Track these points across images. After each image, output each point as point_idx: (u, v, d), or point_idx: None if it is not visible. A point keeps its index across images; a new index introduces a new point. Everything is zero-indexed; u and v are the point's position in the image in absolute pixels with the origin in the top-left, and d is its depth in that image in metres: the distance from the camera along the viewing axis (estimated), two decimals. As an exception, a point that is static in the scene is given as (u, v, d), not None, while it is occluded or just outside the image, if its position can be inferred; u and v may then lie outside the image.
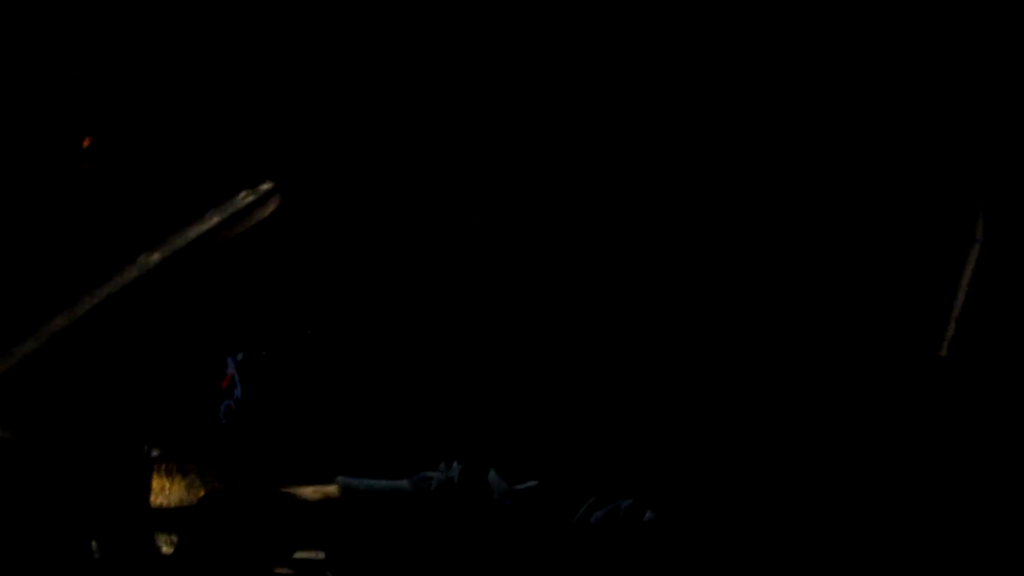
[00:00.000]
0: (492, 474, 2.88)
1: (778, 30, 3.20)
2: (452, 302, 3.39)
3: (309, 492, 2.74)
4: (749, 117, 3.18)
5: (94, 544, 2.67)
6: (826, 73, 3.20)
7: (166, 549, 2.74)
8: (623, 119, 3.25)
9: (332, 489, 2.70)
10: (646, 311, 3.17)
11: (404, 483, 2.86)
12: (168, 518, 2.86)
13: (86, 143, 3.48)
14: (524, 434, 3.16)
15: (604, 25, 3.28)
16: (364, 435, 3.34)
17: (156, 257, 2.52)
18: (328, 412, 3.38)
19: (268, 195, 2.69)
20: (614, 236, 3.24)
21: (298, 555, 2.85)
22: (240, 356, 3.48)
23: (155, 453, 3.06)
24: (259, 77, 3.49)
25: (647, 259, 3.21)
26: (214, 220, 2.63)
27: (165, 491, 2.97)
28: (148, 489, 2.89)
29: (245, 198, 2.71)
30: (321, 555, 2.84)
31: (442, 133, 3.43)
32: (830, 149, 3.19)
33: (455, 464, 2.92)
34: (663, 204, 3.20)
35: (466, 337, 3.36)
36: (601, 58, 3.25)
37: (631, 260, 3.23)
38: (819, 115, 3.21)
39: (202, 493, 2.79)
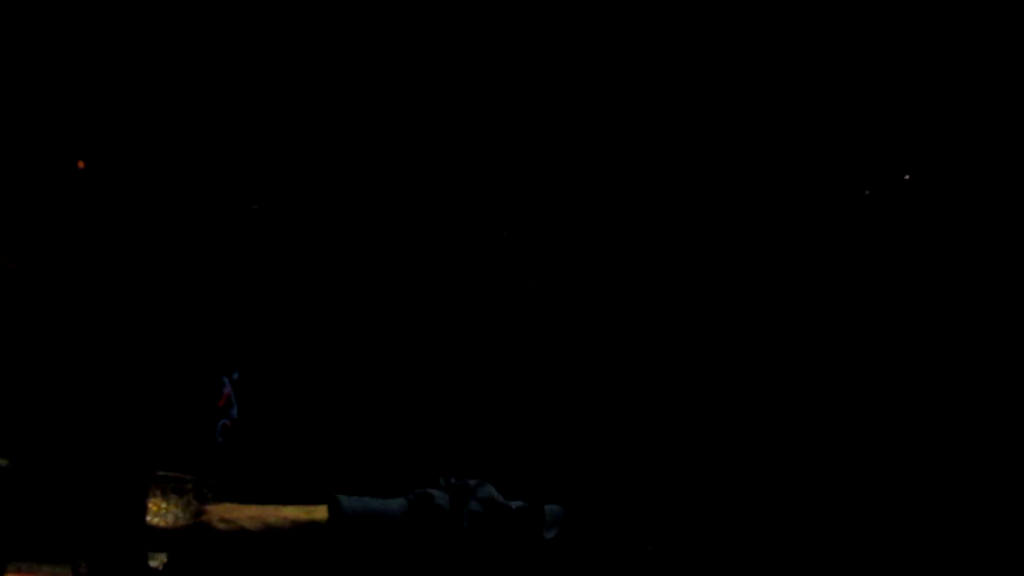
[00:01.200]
0: (492, 490, 2.88)
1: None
2: (444, 320, 3.41)
3: (298, 512, 2.74)
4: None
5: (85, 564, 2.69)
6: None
7: (156, 565, 2.75)
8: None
9: (321, 510, 2.70)
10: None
11: (400, 501, 2.85)
12: (162, 538, 2.87)
13: (80, 165, 3.50)
14: (516, 447, 3.17)
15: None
16: (359, 451, 3.36)
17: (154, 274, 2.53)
18: (323, 429, 3.40)
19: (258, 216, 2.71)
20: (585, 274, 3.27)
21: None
22: (236, 375, 3.49)
23: (152, 471, 3.08)
24: (255, 93, 3.51)
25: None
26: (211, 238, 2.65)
27: (162, 509, 2.99)
28: (144, 507, 2.91)
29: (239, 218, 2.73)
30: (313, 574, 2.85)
31: (437, 154, 3.45)
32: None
33: (452, 480, 2.92)
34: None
35: (458, 354, 3.37)
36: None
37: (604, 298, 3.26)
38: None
39: (198, 510, 2.80)
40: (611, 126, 3.38)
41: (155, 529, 2.86)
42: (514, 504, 2.86)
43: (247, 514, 2.67)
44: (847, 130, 3.33)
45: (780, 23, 3.33)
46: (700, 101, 3.35)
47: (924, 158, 3.26)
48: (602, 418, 3.17)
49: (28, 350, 3.41)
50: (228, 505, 2.72)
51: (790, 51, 3.33)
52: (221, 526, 2.56)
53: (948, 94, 3.27)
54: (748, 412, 3.10)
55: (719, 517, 2.94)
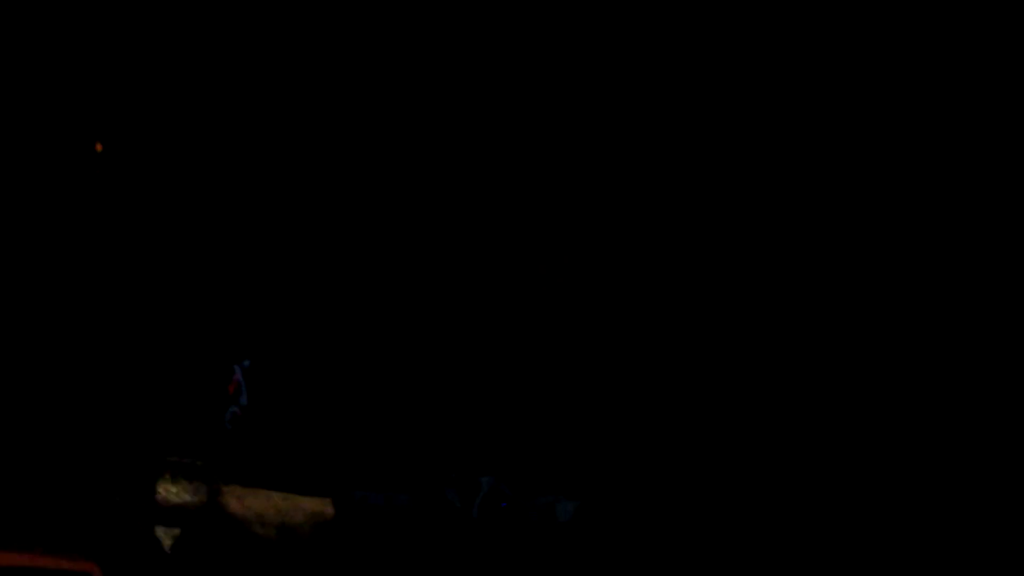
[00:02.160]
0: (503, 485, 2.88)
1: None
2: (453, 311, 3.40)
3: (312, 502, 2.75)
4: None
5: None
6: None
7: (167, 543, 2.75)
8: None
9: (327, 503, 2.70)
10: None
11: (410, 494, 2.85)
12: (177, 514, 2.87)
13: (98, 147, 3.50)
14: (528, 442, 3.17)
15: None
16: (370, 439, 3.35)
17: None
18: (333, 418, 3.40)
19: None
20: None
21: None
22: (247, 363, 3.48)
23: (163, 456, 3.08)
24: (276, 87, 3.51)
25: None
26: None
27: (171, 492, 2.99)
28: (155, 489, 2.91)
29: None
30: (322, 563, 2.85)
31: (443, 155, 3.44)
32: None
33: (462, 474, 2.92)
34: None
35: (467, 345, 3.37)
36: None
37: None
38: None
39: (214, 489, 2.81)
40: (618, 132, 3.39)
41: (165, 507, 2.86)
42: (525, 497, 2.85)
43: (262, 498, 2.67)
44: (848, 130, 3.32)
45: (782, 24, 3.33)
46: (705, 107, 3.35)
47: (922, 159, 3.25)
48: (614, 415, 3.16)
49: (41, 339, 3.40)
50: (244, 488, 2.72)
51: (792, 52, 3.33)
52: (236, 507, 2.56)
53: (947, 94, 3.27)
54: (756, 409, 3.10)
55: (728, 511, 2.94)
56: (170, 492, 3.01)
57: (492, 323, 3.18)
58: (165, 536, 2.93)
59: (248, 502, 2.64)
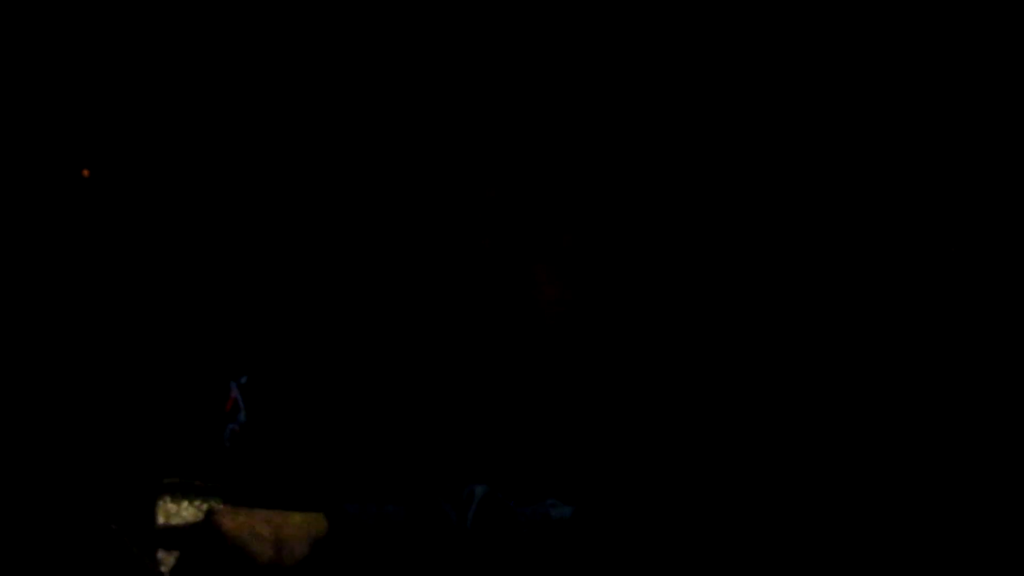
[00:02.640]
0: (497, 494, 2.90)
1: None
2: (451, 324, 3.43)
3: (307, 518, 2.76)
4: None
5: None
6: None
7: (168, 565, 2.78)
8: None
9: (321, 517, 2.72)
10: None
11: (404, 508, 2.87)
12: (172, 537, 2.90)
13: (85, 173, 3.53)
14: (522, 450, 3.19)
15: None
16: (366, 456, 3.38)
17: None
18: (330, 434, 3.42)
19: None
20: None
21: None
22: (244, 380, 3.51)
23: (160, 476, 3.11)
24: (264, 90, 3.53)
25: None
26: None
27: (170, 513, 3.02)
28: (153, 510, 2.94)
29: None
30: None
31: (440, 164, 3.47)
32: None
33: (457, 485, 2.94)
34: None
35: (466, 358, 3.40)
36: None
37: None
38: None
39: (209, 511, 2.83)
40: (623, 128, 3.40)
41: (164, 529, 2.89)
42: (519, 507, 2.88)
43: (256, 516, 2.70)
44: (849, 130, 3.34)
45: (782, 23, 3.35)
46: (708, 102, 3.36)
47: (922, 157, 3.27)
48: (608, 420, 3.18)
49: (33, 355, 3.44)
50: (237, 507, 2.74)
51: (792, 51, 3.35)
52: (230, 525, 2.59)
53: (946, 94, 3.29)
54: (753, 413, 3.12)
55: (721, 516, 2.96)
56: (170, 513, 3.04)
57: (487, 331, 3.21)
58: (167, 558, 2.96)
59: (242, 520, 2.66)
